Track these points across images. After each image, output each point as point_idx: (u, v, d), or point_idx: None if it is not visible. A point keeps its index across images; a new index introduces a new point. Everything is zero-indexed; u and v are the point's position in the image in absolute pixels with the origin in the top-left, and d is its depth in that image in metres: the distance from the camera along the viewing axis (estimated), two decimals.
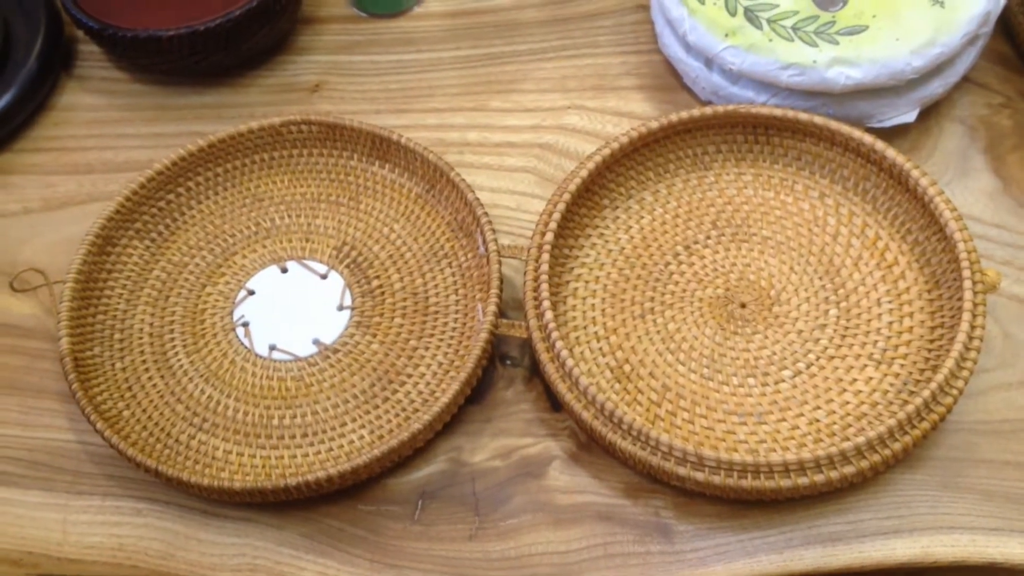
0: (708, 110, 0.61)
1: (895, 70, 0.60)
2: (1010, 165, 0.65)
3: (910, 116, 0.63)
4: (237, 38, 0.68)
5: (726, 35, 0.62)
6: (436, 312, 0.60)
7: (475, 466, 0.56)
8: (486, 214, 0.59)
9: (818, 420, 0.55)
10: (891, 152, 0.58)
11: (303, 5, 0.74)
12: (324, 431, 0.57)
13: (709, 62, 0.65)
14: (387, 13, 0.75)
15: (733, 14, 0.62)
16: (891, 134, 0.64)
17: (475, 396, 0.57)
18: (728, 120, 0.62)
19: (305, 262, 0.63)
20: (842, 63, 0.60)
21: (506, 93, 0.70)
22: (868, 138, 0.59)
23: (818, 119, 0.60)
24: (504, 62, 0.72)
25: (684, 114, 0.61)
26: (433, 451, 0.56)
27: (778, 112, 0.61)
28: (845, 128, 0.59)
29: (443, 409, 0.54)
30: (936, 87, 0.62)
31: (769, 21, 0.62)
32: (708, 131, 0.63)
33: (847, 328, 0.57)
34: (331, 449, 0.56)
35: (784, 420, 0.55)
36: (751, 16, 0.62)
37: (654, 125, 0.61)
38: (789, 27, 0.61)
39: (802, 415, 0.55)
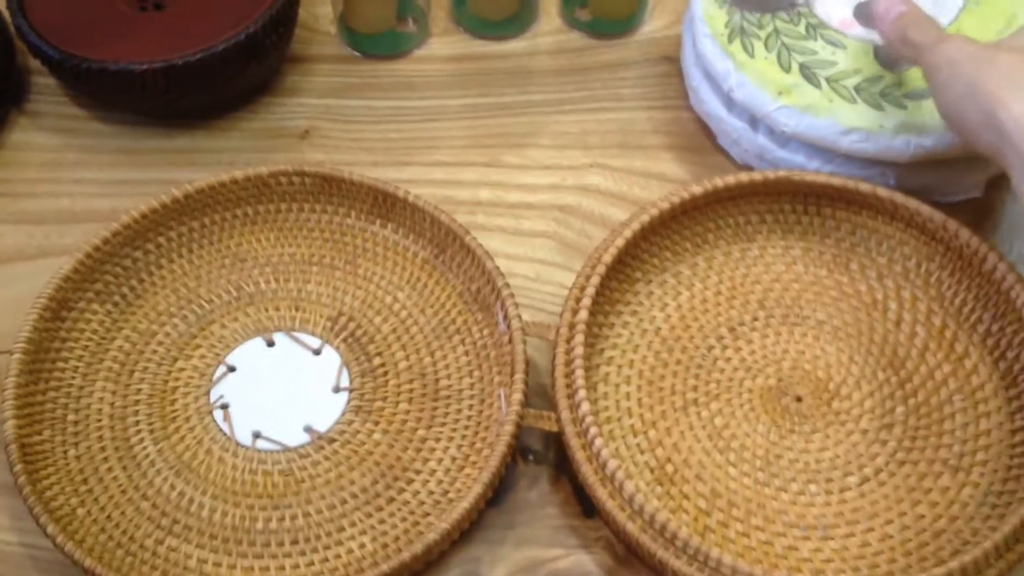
0: (757, 175, 0.56)
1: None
2: None
3: (978, 191, 0.58)
4: (219, 75, 0.62)
5: (779, 93, 0.57)
6: (448, 397, 0.54)
7: None
8: (507, 285, 0.53)
9: (890, 536, 0.49)
10: (965, 232, 0.54)
11: (293, 42, 0.68)
12: (318, 537, 0.50)
13: (755, 122, 0.60)
14: (386, 54, 0.69)
15: (787, 70, 0.57)
16: (953, 208, 0.60)
17: (494, 498, 0.51)
18: (777, 188, 0.57)
19: (295, 335, 0.56)
20: (911, 130, 0.55)
21: (520, 148, 0.65)
22: (938, 215, 0.54)
23: (882, 191, 0.55)
24: (517, 113, 0.67)
25: (730, 179, 0.56)
26: (446, 563, 0.50)
27: (836, 181, 0.56)
28: (912, 202, 0.55)
29: (462, 515, 0.48)
30: None
31: (829, 80, 0.57)
32: (753, 199, 0.58)
33: (917, 429, 0.52)
34: (326, 559, 0.49)
35: (852, 535, 0.49)
36: (808, 73, 0.57)
37: (696, 190, 0.56)
38: (851, 87, 0.56)
39: (872, 529, 0.50)
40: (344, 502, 0.51)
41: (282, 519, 0.50)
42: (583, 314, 0.52)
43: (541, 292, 0.59)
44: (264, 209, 0.59)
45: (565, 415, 0.50)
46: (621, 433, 0.53)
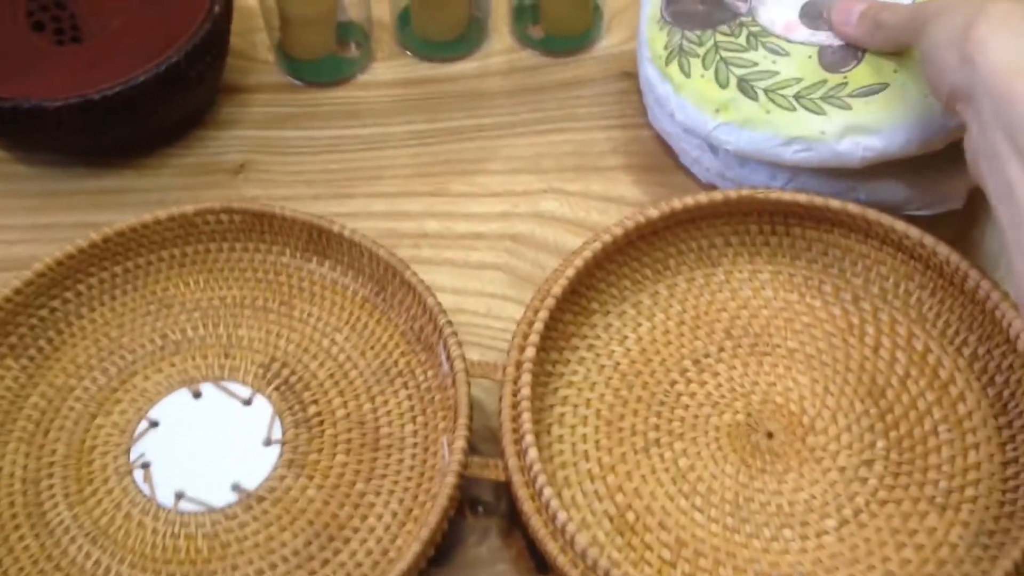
0: (718, 195, 0.53)
1: (926, 135, 0.51)
2: None
3: (957, 203, 0.55)
4: (141, 109, 0.58)
5: (717, 110, 0.53)
6: (389, 447, 0.50)
7: None
8: (450, 323, 0.50)
9: None
10: (944, 248, 0.50)
11: (226, 71, 0.64)
12: None
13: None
14: (327, 81, 0.66)
15: (724, 86, 0.54)
16: (932, 222, 0.56)
17: (439, 555, 0.47)
18: (741, 207, 0.54)
19: (224, 384, 0.52)
20: (857, 131, 0.51)
21: (470, 175, 0.61)
22: (914, 230, 0.51)
23: (852, 207, 0.51)
24: (466, 138, 0.63)
25: (689, 200, 0.52)
26: None
27: (802, 198, 0.52)
28: (886, 218, 0.51)
29: None
30: None
31: (767, 91, 0.53)
32: (716, 220, 0.54)
33: (900, 464, 0.48)
34: None
35: None
36: (745, 86, 0.53)
37: (653, 213, 0.52)
38: (791, 96, 0.52)
39: None
40: (274, 567, 0.47)
41: None
42: (530, 352, 0.48)
43: (492, 329, 0.55)
44: (192, 250, 0.56)
45: (512, 462, 0.46)
46: (577, 479, 0.49)
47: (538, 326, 0.49)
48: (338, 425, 0.51)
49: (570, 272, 0.50)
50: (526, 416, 0.46)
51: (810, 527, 0.47)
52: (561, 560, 0.43)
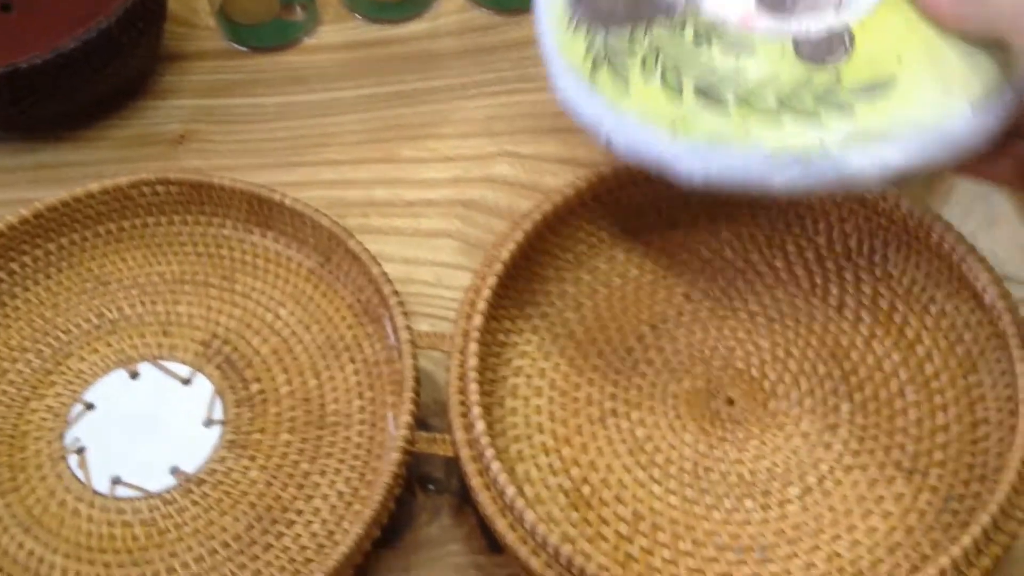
0: None
1: (952, 137, 0.38)
2: None
3: None
4: (75, 78, 0.56)
5: (674, 126, 0.40)
6: (335, 424, 0.48)
7: None
8: (396, 293, 0.48)
9: (839, 554, 0.43)
10: (905, 203, 0.48)
11: (165, 39, 0.62)
12: None
13: None
14: (271, 46, 0.63)
15: (679, 96, 0.40)
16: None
17: (388, 537, 0.45)
18: None
19: (162, 363, 0.50)
20: (868, 139, 0.38)
21: (420, 139, 0.59)
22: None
23: None
24: (417, 102, 0.61)
25: None
26: None
27: None
28: None
29: (342, 561, 0.41)
30: None
31: (739, 97, 0.39)
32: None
33: (865, 428, 0.46)
34: None
35: (795, 556, 0.43)
36: (707, 94, 0.40)
37: (607, 173, 0.50)
38: (771, 101, 0.39)
39: (818, 547, 0.44)
40: (214, 552, 0.45)
41: None
42: (477, 320, 0.46)
43: (443, 299, 0.53)
44: (129, 225, 0.53)
45: (460, 436, 0.44)
46: (531, 453, 0.47)
47: (486, 293, 0.47)
48: (282, 403, 0.49)
49: (519, 236, 0.48)
50: (473, 387, 0.44)
51: (772, 496, 0.45)
52: (511, 537, 0.41)
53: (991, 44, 0.38)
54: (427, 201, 0.57)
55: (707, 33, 0.41)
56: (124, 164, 0.59)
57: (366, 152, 0.59)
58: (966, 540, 0.39)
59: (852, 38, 0.39)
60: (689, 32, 0.41)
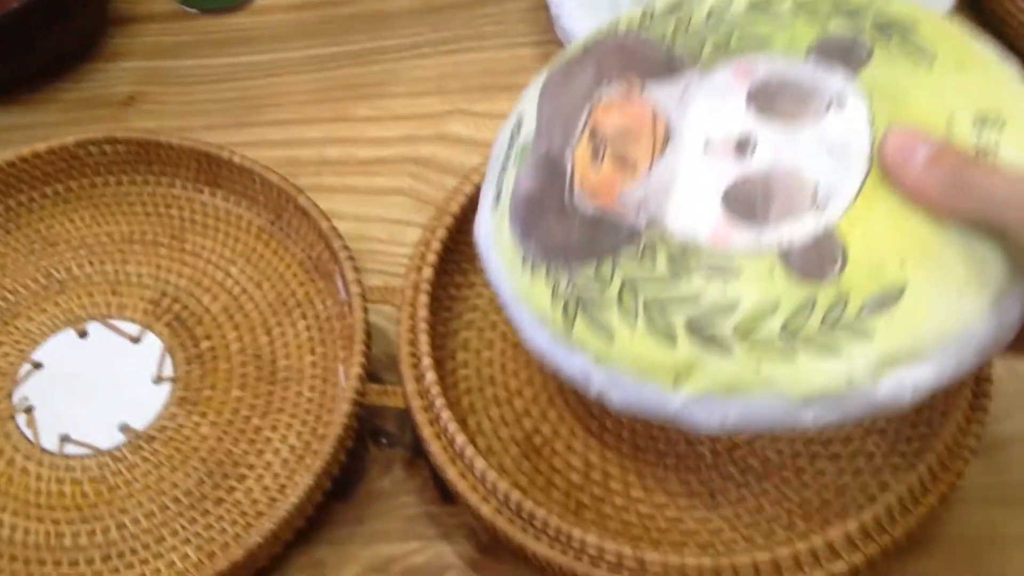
0: None
1: (980, 343, 0.33)
2: None
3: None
4: (21, 40, 0.55)
5: (677, 379, 0.34)
6: (287, 379, 0.48)
7: None
8: (346, 247, 0.47)
9: (787, 497, 0.44)
10: None
11: (114, 1, 0.61)
12: (134, 551, 0.44)
13: None
14: (220, 7, 0.63)
15: (672, 339, 0.34)
16: None
17: (340, 490, 0.45)
18: None
19: (111, 322, 0.50)
20: (896, 363, 0.33)
21: (372, 98, 0.59)
22: None
23: None
24: (369, 61, 0.61)
25: None
26: (284, 569, 0.44)
27: None
28: None
29: (292, 512, 0.42)
30: None
31: (740, 332, 0.33)
32: None
33: None
34: (143, 575, 0.43)
35: (743, 499, 0.44)
36: (703, 334, 0.34)
37: None
38: (778, 334, 0.33)
39: (766, 491, 0.44)
40: (165, 508, 0.45)
41: (92, 533, 0.44)
42: (427, 272, 0.46)
43: (396, 255, 0.53)
44: (76, 185, 0.53)
45: (411, 387, 0.44)
46: (483, 405, 0.47)
47: (436, 246, 0.47)
48: (233, 359, 0.49)
49: (468, 189, 0.48)
50: (423, 339, 0.44)
51: (721, 441, 0.45)
52: (462, 485, 0.41)
53: (990, 230, 0.33)
54: (380, 159, 0.56)
55: (682, 258, 0.35)
56: (73, 126, 0.58)
57: (317, 112, 0.58)
58: (912, 478, 0.40)
59: (843, 243, 0.34)
60: (662, 260, 0.35)
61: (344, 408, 0.43)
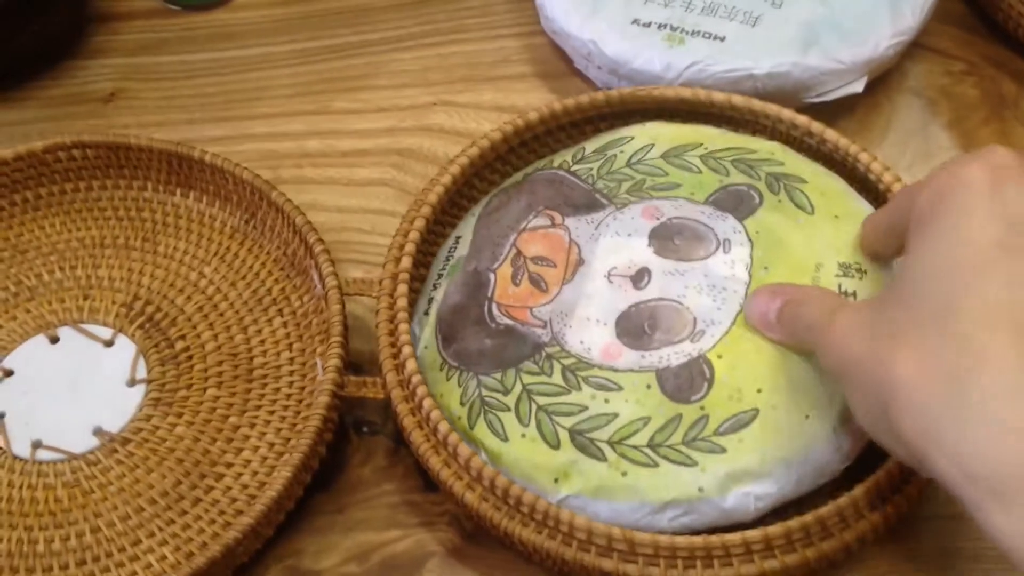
0: (600, 95, 0.50)
1: (819, 464, 0.39)
2: (982, 141, 0.54)
3: (858, 86, 0.52)
4: None
5: (556, 480, 0.40)
6: (264, 376, 0.47)
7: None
8: (321, 241, 0.47)
9: None
10: (831, 134, 0.47)
11: None
12: (110, 554, 0.43)
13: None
14: (202, 4, 0.62)
15: (556, 446, 0.40)
16: (833, 112, 0.53)
17: (321, 481, 0.44)
18: (625, 107, 0.51)
19: (83, 327, 0.49)
20: (742, 479, 0.39)
21: (354, 91, 0.59)
22: (801, 119, 0.48)
23: (737, 99, 0.49)
24: (351, 55, 0.60)
25: (570, 101, 0.50)
26: (264, 561, 0.43)
27: (686, 94, 0.50)
28: (772, 108, 0.48)
29: (271, 505, 0.41)
30: None
31: (612, 443, 0.40)
32: (601, 123, 0.51)
33: None
34: None
35: None
36: (583, 442, 0.40)
37: (532, 116, 0.50)
38: (644, 446, 0.39)
39: None
40: (140, 510, 0.44)
41: (67, 538, 0.43)
42: (406, 262, 0.45)
43: (378, 246, 0.53)
44: (46, 192, 0.53)
45: (390, 377, 0.43)
46: None
47: (414, 235, 0.46)
48: (208, 359, 0.48)
49: (446, 179, 0.48)
50: (403, 327, 0.44)
51: None
52: (445, 473, 0.41)
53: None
54: (362, 151, 0.56)
55: (574, 372, 0.41)
56: (52, 123, 0.58)
57: (299, 105, 0.58)
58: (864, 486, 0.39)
59: (711, 370, 0.40)
60: (557, 372, 0.41)
61: (322, 400, 0.43)
